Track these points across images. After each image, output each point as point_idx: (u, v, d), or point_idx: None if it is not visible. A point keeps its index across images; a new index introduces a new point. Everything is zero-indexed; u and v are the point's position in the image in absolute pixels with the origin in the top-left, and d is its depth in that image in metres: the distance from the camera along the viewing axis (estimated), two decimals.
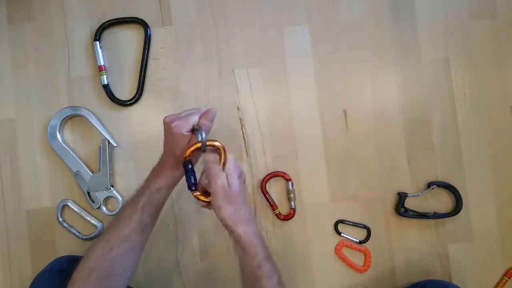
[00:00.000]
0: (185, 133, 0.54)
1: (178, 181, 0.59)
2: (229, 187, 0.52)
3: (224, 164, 0.54)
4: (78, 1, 0.79)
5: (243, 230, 0.52)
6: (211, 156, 0.54)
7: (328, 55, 0.80)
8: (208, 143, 0.54)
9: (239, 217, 0.53)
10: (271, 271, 0.52)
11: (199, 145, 0.53)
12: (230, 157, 0.55)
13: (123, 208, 0.59)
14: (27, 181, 0.77)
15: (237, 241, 0.53)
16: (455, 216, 0.78)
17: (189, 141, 0.55)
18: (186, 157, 0.54)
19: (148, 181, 0.59)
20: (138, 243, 0.55)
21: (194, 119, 0.55)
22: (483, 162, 0.80)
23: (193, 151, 0.54)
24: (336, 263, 0.78)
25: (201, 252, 0.77)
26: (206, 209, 0.56)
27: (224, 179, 0.52)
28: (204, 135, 0.53)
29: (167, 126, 0.55)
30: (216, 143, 0.54)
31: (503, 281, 0.78)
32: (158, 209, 0.58)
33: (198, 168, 0.56)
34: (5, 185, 0.77)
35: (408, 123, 0.80)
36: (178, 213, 0.77)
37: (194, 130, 0.56)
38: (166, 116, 0.56)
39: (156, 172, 0.59)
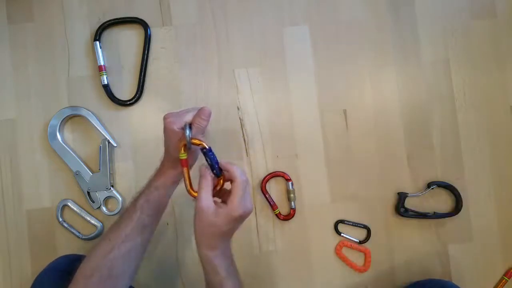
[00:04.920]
0: (176, 129, 0.53)
1: (176, 181, 0.59)
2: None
3: (220, 187, 0.52)
4: (78, 1, 0.79)
5: (204, 253, 0.51)
6: (202, 167, 0.52)
7: (328, 55, 0.80)
8: (193, 141, 0.52)
9: (204, 236, 0.51)
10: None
11: (184, 142, 0.52)
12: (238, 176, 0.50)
13: (125, 208, 0.59)
14: (27, 181, 0.77)
15: (200, 259, 0.52)
16: (455, 216, 0.78)
17: (180, 139, 0.54)
18: (181, 158, 0.53)
19: (149, 180, 0.60)
20: (139, 243, 0.55)
21: (188, 117, 0.55)
22: (483, 162, 0.80)
23: (183, 148, 0.52)
24: (336, 263, 0.78)
25: None
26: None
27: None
28: (188, 133, 0.52)
29: (163, 122, 0.55)
30: (199, 142, 0.51)
31: (503, 281, 0.78)
32: (157, 209, 0.58)
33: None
34: (5, 185, 0.77)
35: (408, 123, 0.80)
36: (178, 213, 0.77)
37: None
38: (167, 113, 0.56)
39: (157, 170, 0.60)
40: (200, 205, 0.49)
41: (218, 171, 0.51)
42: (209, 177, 0.51)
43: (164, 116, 0.56)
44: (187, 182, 0.54)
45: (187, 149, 0.53)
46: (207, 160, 0.52)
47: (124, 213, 0.57)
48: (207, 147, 0.51)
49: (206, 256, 0.51)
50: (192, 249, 0.77)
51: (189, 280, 0.77)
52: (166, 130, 0.55)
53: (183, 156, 0.53)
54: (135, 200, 0.58)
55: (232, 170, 0.50)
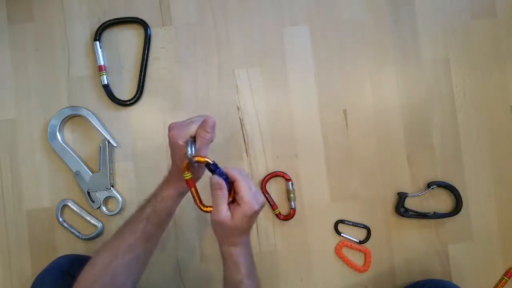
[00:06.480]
0: (180, 143, 0.51)
1: (183, 192, 0.57)
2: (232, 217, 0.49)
3: (233, 194, 0.50)
4: (78, 1, 0.79)
5: (227, 250, 0.51)
6: (215, 180, 0.49)
7: (328, 55, 0.80)
8: (197, 159, 0.49)
9: (225, 237, 0.51)
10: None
11: (187, 161, 0.49)
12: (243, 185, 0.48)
13: (131, 215, 0.57)
14: (27, 181, 0.77)
15: (222, 257, 0.52)
16: (455, 216, 0.78)
17: (185, 154, 0.51)
18: (186, 178, 0.50)
19: (156, 189, 0.58)
20: (143, 253, 0.55)
21: (192, 128, 0.51)
22: (483, 162, 0.80)
23: (187, 168, 0.49)
24: (336, 263, 0.78)
25: (201, 252, 0.77)
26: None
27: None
28: (190, 151, 0.48)
29: (168, 134, 0.53)
30: (203, 160, 0.48)
31: (503, 281, 0.78)
32: (163, 220, 0.56)
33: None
34: (5, 185, 0.77)
35: (408, 123, 0.80)
36: (178, 214, 0.76)
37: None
38: (171, 123, 0.53)
39: (164, 180, 0.58)
40: (217, 219, 0.48)
41: (228, 186, 0.49)
42: (225, 190, 0.49)
43: (168, 127, 0.53)
44: (197, 200, 0.51)
45: (192, 167, 0.50)
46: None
47: (130, 220, 0.56)
48: (211, 162, 0.48)
49: (229, 253, 0.51)
50: (192, 251, 0.77)
51: (189, 280, 0.77)
52: (170, 143, 0.52)
53: (188, 176, 0.50)
54: (142, 208, 0.56)
55: (230, 173, 0.49)
